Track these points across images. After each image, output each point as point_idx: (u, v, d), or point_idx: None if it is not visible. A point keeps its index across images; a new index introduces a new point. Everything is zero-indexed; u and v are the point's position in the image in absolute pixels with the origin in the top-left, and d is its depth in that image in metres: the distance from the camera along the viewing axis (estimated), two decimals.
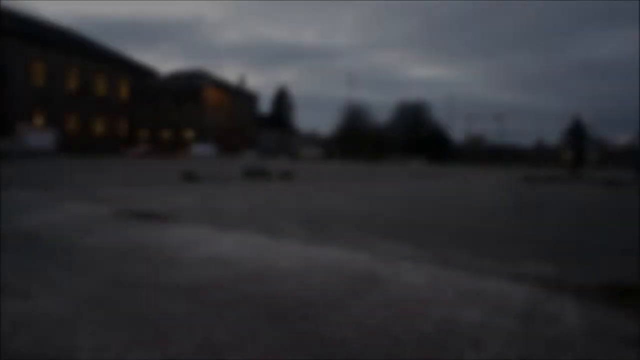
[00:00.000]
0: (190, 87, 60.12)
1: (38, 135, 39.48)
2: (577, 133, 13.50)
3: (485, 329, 1.14)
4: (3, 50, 45.10)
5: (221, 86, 62.35)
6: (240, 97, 66.08)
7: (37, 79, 48.86)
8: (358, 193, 5.27)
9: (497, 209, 3.94)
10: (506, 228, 2.81)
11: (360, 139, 68.62)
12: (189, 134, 58.85)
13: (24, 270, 1.54)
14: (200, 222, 2.64)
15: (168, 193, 4.49)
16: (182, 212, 3.04)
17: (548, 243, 2.34)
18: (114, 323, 1.10)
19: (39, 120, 46.81)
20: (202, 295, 1.33)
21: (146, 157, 34.23)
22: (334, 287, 1.45)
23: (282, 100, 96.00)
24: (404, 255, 1.92)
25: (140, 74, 63.49)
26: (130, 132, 60.11)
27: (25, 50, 47.21)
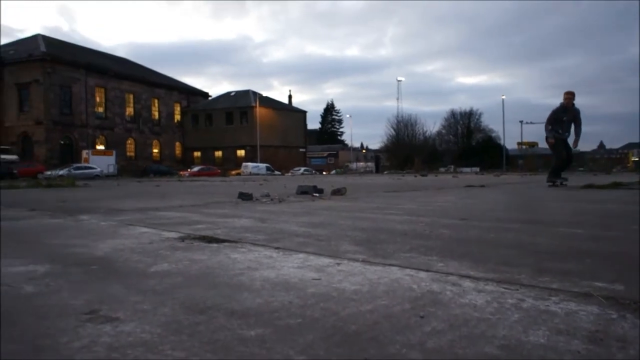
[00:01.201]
0: (240, 107, 61.58)
1: (100, 159, 41.56)
2: None
3: (553, 352, 1.15)
4: (70, 81, 47.78)
5: (270, 104, 63.52)
6: (289, 114, 67.04)
7: (99, 107, 51.46)
8: (412, 209, 5.25)
9: (560, 221, 3.84)
10: (572, 241, 2.75)
11: (409, 150, 67.93)
12: (241, 152, 60.04)
13: (109, 295, 1.67)
14: (262, 244, 2.74)
15: (227, 214, 4.65)
16: (243, 234, 3.15)
17: (619, 257, 2.27)
18: (196, 348, 1.18)
19: (101, 145, 49.18)
20: (273, 319, 1.40)
21: (200, 177, 35.32)
22: (398, 309, 1.49)
23: (329, 115, 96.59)
24: (464, 274, 1.93)
25: (192, 97, 65.64)
26: (184, 153, 62.14)
27: (89, 81, 49.85)
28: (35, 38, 51.51)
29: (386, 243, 2.79)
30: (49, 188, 12.82)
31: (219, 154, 60.87)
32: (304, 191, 7.58)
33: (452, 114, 78.92)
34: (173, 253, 2.52)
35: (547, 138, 9.76)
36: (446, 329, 1.31)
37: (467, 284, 1.78)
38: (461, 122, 78.53)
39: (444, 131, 78.67)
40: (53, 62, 46.67)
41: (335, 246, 2.66)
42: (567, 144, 9.90)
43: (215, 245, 2.76)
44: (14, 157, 40.21)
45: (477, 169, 52.86)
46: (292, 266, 2.14)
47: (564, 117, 9.59)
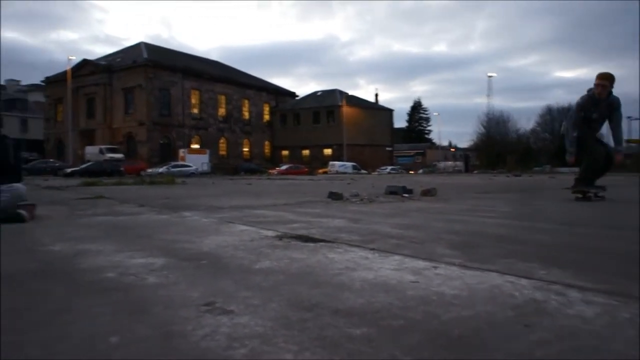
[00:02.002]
0: (327, 106, 62.26)
1: (195, 158, 43.93)
2: None
3: None
4: (169, 84, 50.95)
5: (356, 103, 63.64)
6: (375, 112, 66.77)
7: (194, 108, 54.38)
8: (506, 212, 5.08)
9: None
10: None
11: (501, 149, 65.05)
12: (327, 151, 60.70)
13: (220, 289, 1.81)
14: (358, 245, 2.80)
15: (320, 214, 4.77)
16: (337, 234, 3.24)
17: None
18: (307, 343, 1.27)
19: (196, 145, 51.92)
20: (376, 319, 1.45)
21: (288, 175, 36.23)
22: (501, 316, 1.48)
23: (416, 113, 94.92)
24: (569, 283, 1.87)
25: (280, 97, 67.38)
26: (272, 151, 64.03)
27: (185, 84, 52.82)
28: (138, 46, 55.45)
29: (482, 247, 2.74)
30: (152, 185, 13.78)
31: (306, 152, 62.04)
32: (393, 191, 7.56)
33: (549, 110, 74.41)
34: (273, 251, 2.65)
35: (566, 153, 6.48)
36: (554, 339, 1.29)
37: (573, 294, 1.73)
38: (558, 118, 73.95)
39: (539, 128, 74.45)
40: (154, 67, 50.00)
41: (430, 249, 2.66)
42: (601, 141, 6.81)
43: (312, 244, 2.86)
44: (120, 155, 43.60)
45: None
46: (389, 268, 2.18)
47: (594, 113, 6.26)
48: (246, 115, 61.50)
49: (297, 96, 70.83)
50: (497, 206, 5.74)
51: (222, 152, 56.71)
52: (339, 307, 1.58)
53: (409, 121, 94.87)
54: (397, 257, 2.42)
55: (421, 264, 2.26)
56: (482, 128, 71.31)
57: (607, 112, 6.30)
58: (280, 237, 3.15)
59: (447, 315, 1.50)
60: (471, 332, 1.34)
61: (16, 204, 4.30)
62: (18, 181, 4.47)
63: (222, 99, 57.88)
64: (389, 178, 23.47)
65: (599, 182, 6.57)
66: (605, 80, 6.15)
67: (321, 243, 2.90)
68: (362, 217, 4.42)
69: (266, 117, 65.06)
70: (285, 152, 63.34)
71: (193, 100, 54.43)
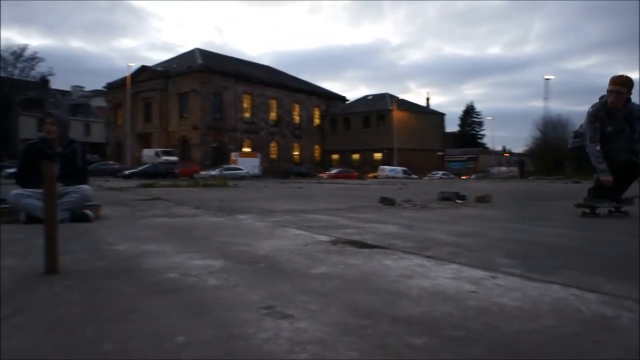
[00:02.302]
0: (377, 110, 62.00)
1: (247, 161, 44.76)
2: None
3: None
4: (222, 89, 52.22)
5: (407, 107, 63.04)
6: (426, 116, 65.88)
7: (246, 112, 55.47)
8: (567, 221, 4.89)
9: None
10: None
11: (559, 154, 62.61)
12: (377, 155, 60.39)
13: (279, 293, 1.84)
14: (412, 252, 2.78)
15: (373, 219, 4.76)
16: (391, 240, 3.22)
17: None
18: (368, 350, 1.27)
19: (247, 148, 52.89)
20: (436, 329, 1.44)
21: (338, 179, 36.28)
22: (567, 331, 1.43)
23: (469, 117, 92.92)
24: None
25: (330, 101, 67.63)
26: (322, 155, 64.33)
27: (237, 88, 53.97)
28: (193, 52, 57.14)
29: (542, 257, 2.66)
30: (206, 187, 14.14)
31: (356, 156, 61.96)
32: (446, 197, 7.44)
33: None
34: (328, 256, 2.67)
35: (598, 172, 5.02)
36: (627, 359, 1.24)
37: None
38: None
39: None
40: (208, 72, 51.37)
41: (488, 258, 2.60)
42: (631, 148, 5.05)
43: (366, 250, 2.86)
44: (175, 158, 45.02)
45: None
46: (446, 276, 2.15)
47: (608, 126, 4.98)
48: (297, 119, 62.13)
49: (347, 100, 70.89)
50: (556, 214, 5.54)
51: (273, 156, 57.50)
52: (397, 315, 1.58)
53: (461, 125, 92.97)
54: (453, 266, 2.39)
55: (479, 273, 2.22)
56: (538, 132, 68.88)
57: (626, 123, 4.96)
58: (334, 242, 3.16)
59: (509, 327, 1.46)
60: (535, 347, 1.31)
61: (83, 204, 4.53)
62: (84, 183, 4.69)
63: (273, 103, 58.72)
64: (440, 183, 23.09)
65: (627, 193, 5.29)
66: (621, 85, 4.85)
67: (375, 249, 2.90)
68: (415, 224, 4.38)
69: (316, 121, 65.47)
70: (335, 156, 63.48)
71: (245, 105, 55.51)
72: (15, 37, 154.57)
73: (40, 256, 2.44)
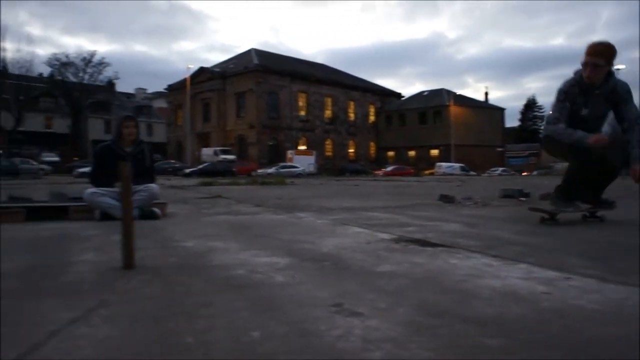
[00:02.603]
0: (433, 106, 60.92)
1: (302, 159, 45.17)
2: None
3: None
4: (278, 88, 52.98)
5: (464, 102, 61.57)
6: (485, 111, 64.08)
7: (301, 110, 55.97)
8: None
9: None
10: None
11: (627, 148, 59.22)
12: (434, 152, 59.38)
13: (346, 290, 1.85)
14: (478, 251, 2.72)
15: (433, 217, 4.69)
16: (455, 239, 3.16)
17: None
18: (442, 350, 1.26)
19: (303, 146, 53.36)
20: (511, 331, 1.40)
21: (394, 176, 35.96)
22: None
23: (530, 111, 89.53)
24: None
25: (385, 98, 67.07)
26: (378, 152, 63.95)
27: (293, 87, 54.53)
28: (249, 52, 58.22)
29: (620, 259, 2.53)
30: (264, 185, 14.40)
31: (412, 153, 61.17)
32: (508, 194, 7.22)
33: None
34: (392, 254, 2.66)
35: (579, 141, 3.82)
36: None
37: None
38: None
39: None
40: (264, 72, 52.21)
41: (560, 258, 2.51)
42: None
43: (430, 249, 2.82)
44: (233, 156, 46.08)
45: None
46: (516, 276, 2.09)
47: (583, 108, 3.92)
48: (352, 116, 62.05)
49: (403, 97, 70.06)
50: (631, 213, 5.25)
51: (328, 153, 57.70)
52: (469, 315, 1.55)
53: (521, 120, 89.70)
54: (522, 266, 2.31)
55: (551, 274, 2.14)
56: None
57: (609, 106, 3.92)
58: (396, 241, 3.14)
59: (590, 332, 1.41)
60: (621, 355, 1.25)
61: (151, 202, 4.73)
62: (152, 182, 4.90)
63: (328, 101, 58.90)
64: (500, 180, 22.41)
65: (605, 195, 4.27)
66: (598, 56, 3.69)
67: (439, 248, 2.86)
68: (478, 222, 4.28)
69: (371, 118, 65.14)
70: (390, 153, 62.93)
71: (300, 103, 56.02)
72: (85, 44, 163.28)
73: (116, 252, 2.57)
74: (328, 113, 58.96)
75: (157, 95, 74.86)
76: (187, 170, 36.36)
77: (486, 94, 76.21)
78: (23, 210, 4.50)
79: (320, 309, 1.63)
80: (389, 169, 48.26)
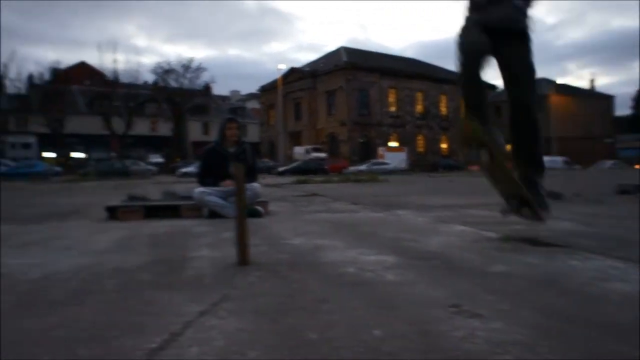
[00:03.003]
0: None
1: (394, 155, 44.75)
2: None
3: None
4: (367, 85, 52.96)
5: (566, 91, 57.61)
6: (591, 100, 59.55)
7: (392, 106, 55.49)
8: None
9: None
10: None
11: None
12: None
13: (461, 291, 1.82)
14: (599, 252, 2.54)
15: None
16: (570, 238, 2.98)
17: None
18: (577, 356, 1.20)
19: (394, 142, 52.86)
20: None
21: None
22: None
23: None
24: None
25: None
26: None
27: (382, 83, 54.18)
28: (338, 51, 58.56)
29: None
30: (357, 183, 14.45)
31: (508, 147, 58.32)
32: (625, 190, 6.66)
33: None
34: (502, 254, 2.56)
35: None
36: None
37: None
38: None
39: None
40: (353, 69, 52.28)
41: None
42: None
43: (543, 248, 2.69)
44: (324, 154, 46.69)
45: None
46: None
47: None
48: (444, 110, 60.40)
49: (497, 88, 66.95)
50: None
51: (420, 149, 56.65)
52: (600, 320, 1.46)
53: (634, 107, 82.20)
54: None
55: None
56: None
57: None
58: (505, 240, 3.02)
59: None
60: None
61: (255, 201, 4.93)
62: (254, 181, 5.09)
63: (419, 95, 57.75)
64: (610, 174, 20.73)
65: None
66: None
67: (554, 248, 2.71)
68: (593, 220, 4.00)
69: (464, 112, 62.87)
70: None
71: (390, 99, 55.45)
72: (184, 51, 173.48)
73: (228, 248, 2.72)
74: (419, 108, 57.82)
75: (250, 96, 77.69)
76: (280, 169, 37.38)
77: (592, 80, 70.67)
78: (142, 209, 4.89)
79: (437, 309, 1.61)
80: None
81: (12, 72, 47.61)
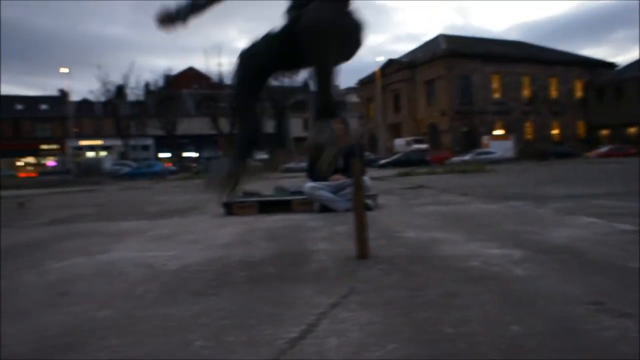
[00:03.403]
0: None
1: (499, 144, 42.70)
2: None
3: None
4: (469, 71, 51.03)
5: None
6: None
7: (495, 93, 52.97)
8: None
9: None
10: None
11: None
12: None
13: (600, 288, 1.70)
14: None
15: None
16: None
17: None
18: None
19: (499, 130, 50.42)
20: None
21: (609, 157, 31.69)
22: None
23: None
24: None
25: (594, 70, 59.51)
26: (588, 132, 57.11)
27: (485, 69, 51.87)
28: (436, 39, 56.92)
29: None
30: (462, 173, 13.99)
31: (632, 130, 53.14)
32: None
33: None
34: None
35: None
36: None
37: None
38: None
39: None
40: (453, 57, 50.56)
41: None
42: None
43: None
44: (425, 146, 45.77)
45: None
46: None
47: None
48: (554, 94, 56.44)
49: (617, 66, 61.17)
50: None
51: (528, 137, 53.48)
52: None
53: None
54: None
55: None
56: None
57: None
58: None
59: None
60: None
61: (364, 194, 4.96)
62: (363, 174, 5.13)
63: (526, 80, 54.46)
64: None
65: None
66: None
67: None
68: None
69: (578, 94, 58.34)
70: (604, 132, 55.58)
71: (494, 85, 52.90)
72: None
73: (344, 242, 2.77)
74: (526, 93, 54.54)
75: (349, 90, 78.17)
76: (382, 162, 37.20)
77: None
78: (256, 204, 5.12)
79: (577, 306, 1.52)
80: (603, 149, 42.68)
81: (131, 82, 51.99)
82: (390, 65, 56.89)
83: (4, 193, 13.72)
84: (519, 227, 3.22)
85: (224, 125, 49.05)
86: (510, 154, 41.46)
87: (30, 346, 1.41)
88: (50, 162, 51.53)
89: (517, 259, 2.24)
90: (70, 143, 51.01)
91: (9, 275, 2.46)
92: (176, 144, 50.52)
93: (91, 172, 33.74)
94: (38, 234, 4.23)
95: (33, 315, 1.73)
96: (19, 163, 54.91)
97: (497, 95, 53.09)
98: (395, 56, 59.35)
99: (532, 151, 44.99)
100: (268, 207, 5.14)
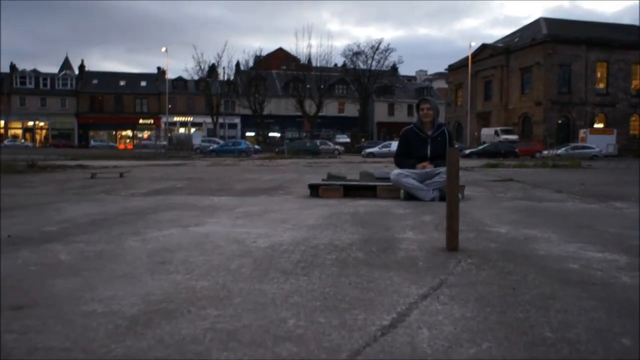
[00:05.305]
0: None
1: (598, 138, 39.78)
2: None
3: None
4: (570, 59, 47.71)
5: None
6: None
7: (600, 82, 49.19)
8: None
9: None
10: None
11: None
12: None
13: None
14: None
15: None
16: None
17: None
18: None
19: (599, 124, 46.96)
20: None
21: None
22: None
23: None
24: None
25: None
26: None
27: (589, 56, 48.27)
28: (537, 22, 53.59)
29: None
30: (555, 168, 13.21)
31: None
32: None
33: None
34: None
35: None
36: None
37: None
38: None
39: None
40: (553, 42, 47.40)
41: None
42: None
43: None
44: (515, 137, 43.63)
45: None
46: None
47: None
48: None
49: None
50: None
51: (634, 132, 49.30)
52: None
53: None
54: None
55: None
56: None
57: None
58: None
59: None
60: None
61: (459, 185, 4.82)
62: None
63: (638, 69, 49.98)
64: None
65: None
66: None
67: None
68: None
69: None
70: None
71: (598, 74, 49.06)
72: (374, 33, 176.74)
73: (432, 232, 2.72)
74: (636, 84, 50.11)
75: (437, 76, 75.98)
76: (467, 151, 36.00)
77: None
78: (341, 188, 5.15)
79: None
80: None
81: (224, 61, 53.91)
82: (484, 51, 54.53)
83: (106, 163, 14.85)
84: (623, 231, 3.00)
85: (309, 106, 49.64)
86: (612, 150, 38.57)
87: (138, 308, 1.52)
88: (146, 135, 54.88)
89: (622, 265, 2.09)
90: (164, 118, 53.94)
91: (116, 240, 2.66)
92: (262, 124, 51.86)
93: (182, 147, 35.52)
94: (138, 203, 4.54)
95: (137, 281, 1.86)
96: (118, 135, 59.19)
97: (601, 86, 49.27)
98: (489, 41, 56.76)
99: (637, 148, 41.47)
100: (353, 191, 5.15)
